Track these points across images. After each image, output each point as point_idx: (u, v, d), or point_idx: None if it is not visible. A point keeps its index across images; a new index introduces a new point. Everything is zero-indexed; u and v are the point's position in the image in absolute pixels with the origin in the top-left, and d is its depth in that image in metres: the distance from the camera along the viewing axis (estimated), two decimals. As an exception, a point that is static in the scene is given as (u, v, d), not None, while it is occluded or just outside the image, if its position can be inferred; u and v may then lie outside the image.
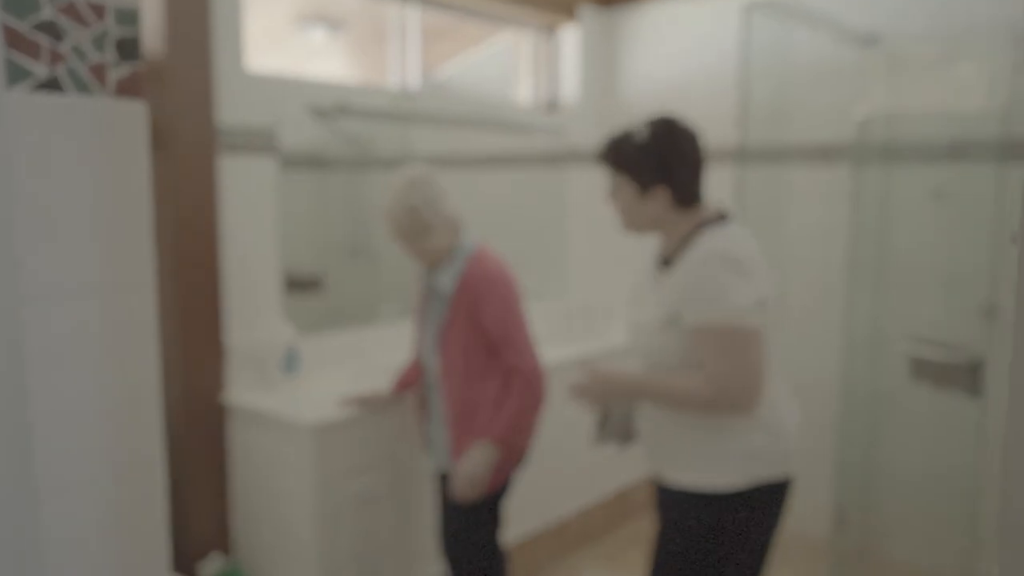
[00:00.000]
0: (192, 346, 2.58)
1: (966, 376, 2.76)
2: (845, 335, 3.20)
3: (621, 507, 3.75)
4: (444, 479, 2.45)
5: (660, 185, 1.85)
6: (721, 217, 1.88)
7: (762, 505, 1.83)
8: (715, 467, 1.81)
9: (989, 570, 2.86)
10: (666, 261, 1.90)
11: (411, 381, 2.56)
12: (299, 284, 2.94)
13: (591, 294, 3.95)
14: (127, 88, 1.06)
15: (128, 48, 1.05)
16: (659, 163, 1.84)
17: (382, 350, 3.11)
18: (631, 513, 3.82)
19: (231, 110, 2.64)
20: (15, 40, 0.96)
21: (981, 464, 2.74)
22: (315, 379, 2.84)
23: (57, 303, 1.00)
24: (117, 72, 1.04)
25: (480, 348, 2.29)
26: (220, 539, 2.71)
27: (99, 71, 1.03)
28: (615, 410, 2.02)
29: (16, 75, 0.96)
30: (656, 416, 1.91)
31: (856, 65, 3.15)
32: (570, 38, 4.00)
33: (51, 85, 0.99)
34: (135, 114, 1.07)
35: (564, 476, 3.27)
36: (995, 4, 2.79)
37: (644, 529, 3.70)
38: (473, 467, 2.24)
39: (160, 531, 1.14)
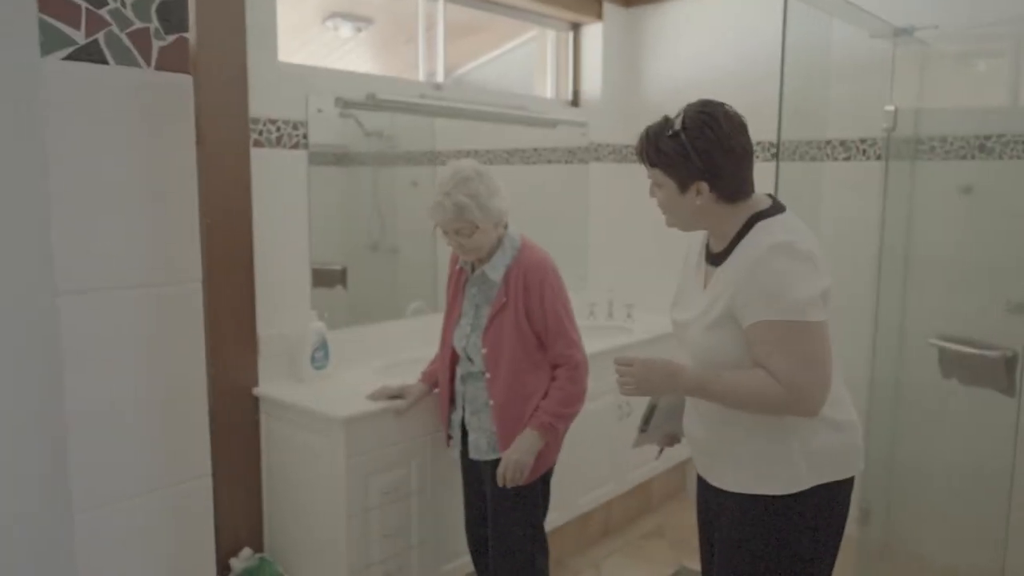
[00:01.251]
0: (226, 339, 2.45)
1: (998, 373, 2.62)
2: (874, 330, 3.05)
3: (642, 499, 3.62)
4: (476, 467, 2.35)
5: (700, 182, 1.62)
6: (775, 207, 1.67)
7: (829, 504, 1.66)
8: (778, 469, 1.63)
9: (1016, 568, 2.73)
10: (716, 256, 1.70)
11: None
12: (322, 279, 2.80)
13: (611, 289, 3.81)
14: (172, 61, 0.91)
15: (173, 16, 0.90)
16: (698, 158, 1.59)
17: (406, 345, 2.99)
18: (652, 505, 3.69)
19: (264, 103, 2.51)
20: (51, 2, 0.82)
21: (1014, 462, 2.60)
22: (342, 373, 2.71)
23: (95, 296, 0.86)
24: (161, 42, 0.91)
25: (531, 338, 2.20)
26: (252, 534, 2.58)
27: (142, 40, 0.88)
28: (661, 406, 1.86)
29: (52, 42, 0.81)
30: (710, 417, 1.72)
31: (887, 59, 3.00)
32: (593, 35, 3.85)
33: (89, 54, 0.85)
34: (181, 89, 0.93)
35: (586, 468, 3.13)
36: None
37: (665, 521, 3.57)
38: (521, 454, 2.17)
39: (207, 540, 1.01)
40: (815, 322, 1.53)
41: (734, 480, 1.69)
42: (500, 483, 2.20)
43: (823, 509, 1.66)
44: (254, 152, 2.49)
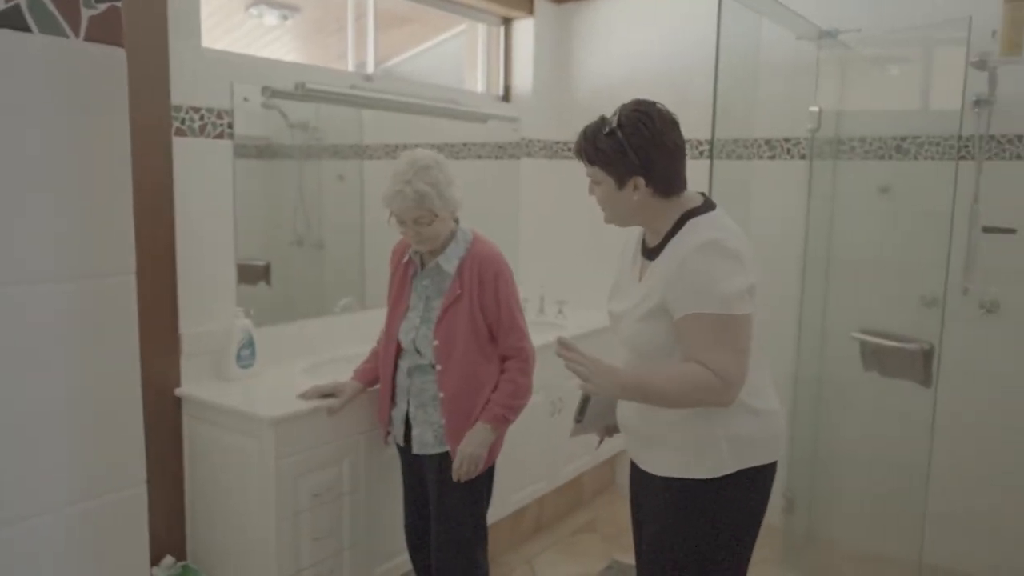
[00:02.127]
0: (146, 338, 2.30)
1: (916, 365, 2.71)
2: (799, 325, 3.13)
3: (573, 495, 3.61)
4: (418, 462, 2.31)
5: (636, 177, 1.68)
6: (706, 204, 1.74)
7: (751, 487, 1.74)
8: (703, 455, 1.70)
9: (933, 553, 2.84)
10: (651, 251, 1.76)
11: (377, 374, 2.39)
12: (244, 275, 2.68)
13: (543, 285, 3.79)
14: (103, 32, 0.83)
15: (105, -18, 0.83)
16: (634, 154, 1.65)
17: (335, 342, 2.90)
18: (583, 500, 3.69)
19: (187, 90, 2.38)
20: (-35, -40, 0.72)
21: (931, 451, 2.69)
22: (269, 372, 2.60)
23: (17, 289, 0.77)
24: (91, 11, 0.82)
25: (483, 330, 2.20)
26: (175, 541, 2.45)
27: (70, 7, 0.79)
28: (595, 397, 1.86)
29: (-34, 5, 0.73)
30: (639, 406, 1.77)
31: (811, 60, 3.07)
32: (525, 30, 3.82)
33: (10, 20, 0.76)
34: (113, 63, 0.84)
35: (518, 465, 3.10)
36: (948, 3, 2.73)
37: (596, 516, 3.58)
38: (475, 448, 2.18)
39: (142, 554, 0.93)
40: (740, 315, 1.62)
41: (662, 464, 1.77)
42: (455, 477, 2.18)
43: (745, 493, 1.74)
44: (176, 141, 2.37)
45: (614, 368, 1.71)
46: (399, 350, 2.29)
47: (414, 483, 2.39)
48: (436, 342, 2.19)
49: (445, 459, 2.23)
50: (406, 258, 2.29)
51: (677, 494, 1.74)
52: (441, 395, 2.20)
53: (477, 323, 2.18)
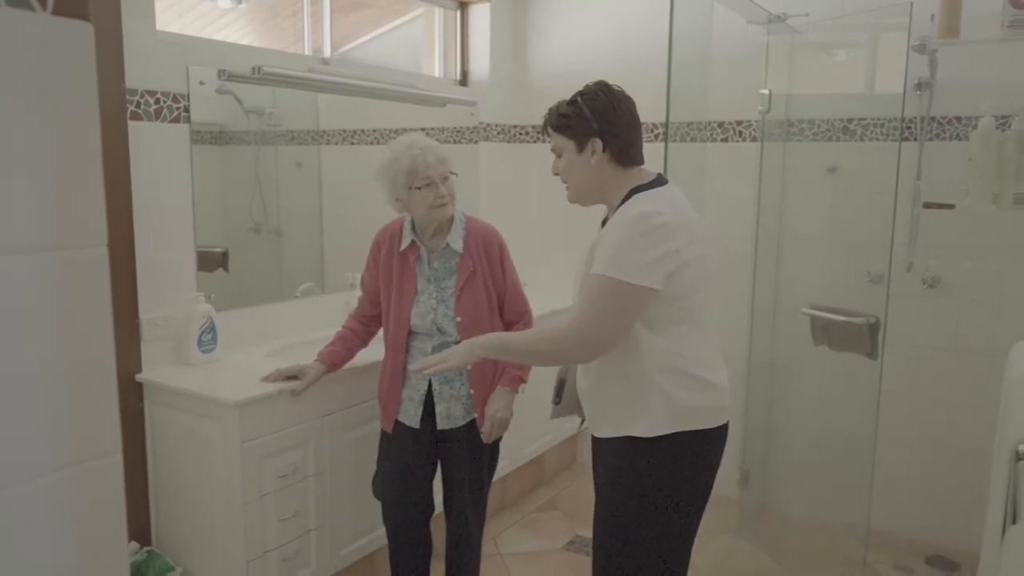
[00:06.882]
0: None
1: (863, 338, 2.81)
2: (752, 302, 3.21)
3: (536, 473, 3.66)
4: (437, 437, 2.37)
5: (594, 139, 1.77)
6: (656, 181, 1.81)
7: (688, 450, 1.77)
8: (640, 415, 1.75)
9: (879, 518, 2.94)
10: (604, 224, 1.84)
11: (344, 359, 2.42)
12: (202, 262, 2.66)
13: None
14: (71, 5, 0.83)
15: (72, -45, 0.83)
16: (592, 116, 1.77)
17: (295, 327, 2.90)
18: (545, 479, 3.75)
19: (142, 73, 2.35)
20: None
21: (877, 421, 2.79)
22: (231, 356, 2.59)
23: (-9, 260, 0.78)
24: (58, -16, 0.82)
25: (494, 300, 2.34)
26: (138, 527, 2.44)
27: (37, -20, 0.80)
28: (570, 379, 1.94)
29: (-70, -24, 0.73)
30: (592, 371, 1.85)
31: (761, 44, 3.14)
32: (481, 15, 3.83)
33: (-23, -7, 0.76)
34: (81, 38, 0.85)
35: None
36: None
37: (558, 494, 3.64)
38: (503, 411, 2.32)
39: (119, 525, 0.93)
40: (635, 285, 1.65)
41: (607, 426, 1.84)
42: (486, 440, 2.32)
43: (683, 456, 1.77)
44: (132, 126, 2.34)
45: (470, 340, 1.87)
46: (409, 334, 2.34)
47: (425, 460, 2.41)
48: (459, 318, 2.28)
49: (472, 428, 2.34)
50: (405, 244, 2.32)
51: (620, 452, 1.79)
52: (469, 367, 2.27)
53: (490, 294, 2.32)
